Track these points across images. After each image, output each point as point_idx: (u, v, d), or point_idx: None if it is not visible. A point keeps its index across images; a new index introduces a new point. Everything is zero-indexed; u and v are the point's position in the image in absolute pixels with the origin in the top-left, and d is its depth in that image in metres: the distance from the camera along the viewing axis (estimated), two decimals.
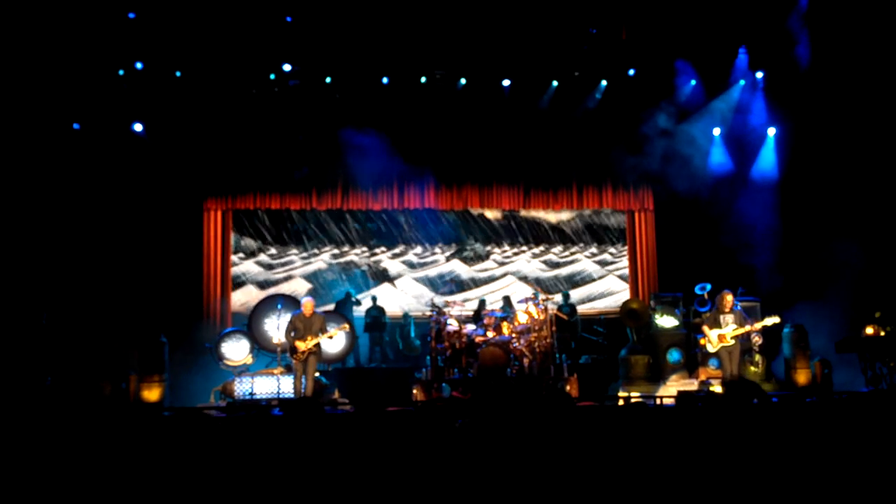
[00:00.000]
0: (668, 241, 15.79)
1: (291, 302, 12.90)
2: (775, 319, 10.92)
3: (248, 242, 15.58)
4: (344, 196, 15.41)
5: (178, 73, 13.77)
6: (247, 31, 13.27)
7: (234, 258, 15.45)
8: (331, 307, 14.32)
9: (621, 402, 10.95)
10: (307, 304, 10.98)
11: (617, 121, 15.09)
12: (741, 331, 10.77)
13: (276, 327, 12.17)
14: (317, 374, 11.78)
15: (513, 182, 15.87)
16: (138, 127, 13.93)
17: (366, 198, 15.42)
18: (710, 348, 10.95)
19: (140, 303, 13.28)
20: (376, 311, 14.30)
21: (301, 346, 10.68)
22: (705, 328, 10.98)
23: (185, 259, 14.61)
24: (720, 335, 10.77)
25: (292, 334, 10.76)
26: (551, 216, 16.41)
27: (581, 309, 15.12)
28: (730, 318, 10.82)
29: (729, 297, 10.91)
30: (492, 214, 16.30)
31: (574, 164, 15.58)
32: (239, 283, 15.43)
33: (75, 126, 13.63)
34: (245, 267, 15.51)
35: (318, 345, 10.88)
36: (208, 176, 14.73)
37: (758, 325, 11.03)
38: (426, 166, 15.02)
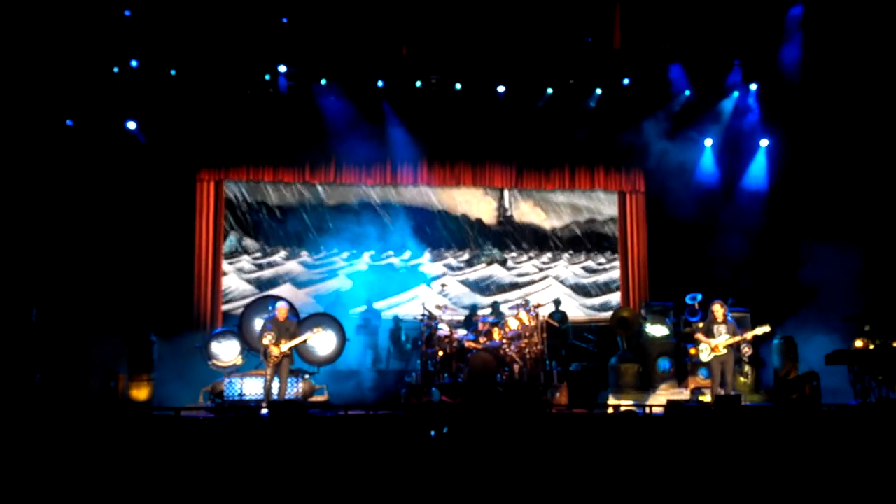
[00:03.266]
0: (659, 248, 15.80)
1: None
2: (766, 329, 10.97)
3: (250, 243, 15.50)
4: (337, 171, 15.33)
5: (172, 72, 13.75)
6: (243, 31, 13.26)
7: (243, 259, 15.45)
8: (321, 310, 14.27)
9: (611, 411, 11.00)
10: (281, 309, 10.92)
11: (610, 120, 15.28)
12: (732, 340, 10.79)
13: None
14: (307, 376, 11.76)
15: (506, 160, 15.87)
16: (132, 125, 13.89)
17: (359, 173, 15.36)
18: (703, 357, 10.97)
19: (130, 298, 13.22)
20: (369, 315, 14.29)
21: (275, 350, 10.63)
22: (699, 336, 11.00)
23: (176, 251, 14.51)
24: (714, 345, 10.78)
25: (266, 339, 10.69)
26: (545, 223, 16.41)
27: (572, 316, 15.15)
28: (723, 328, 10.84)
29: (724, 308, 10.95)
30: (486, 219, 16.27)
31: (567, 145, 15.63)
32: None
33: (68, 123, 13.57)
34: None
35: (291, 349, 10.81)
36: (201, 148, 14.72)
37: (749, 335, 11.10)
38: (419, 143, 15.09)
